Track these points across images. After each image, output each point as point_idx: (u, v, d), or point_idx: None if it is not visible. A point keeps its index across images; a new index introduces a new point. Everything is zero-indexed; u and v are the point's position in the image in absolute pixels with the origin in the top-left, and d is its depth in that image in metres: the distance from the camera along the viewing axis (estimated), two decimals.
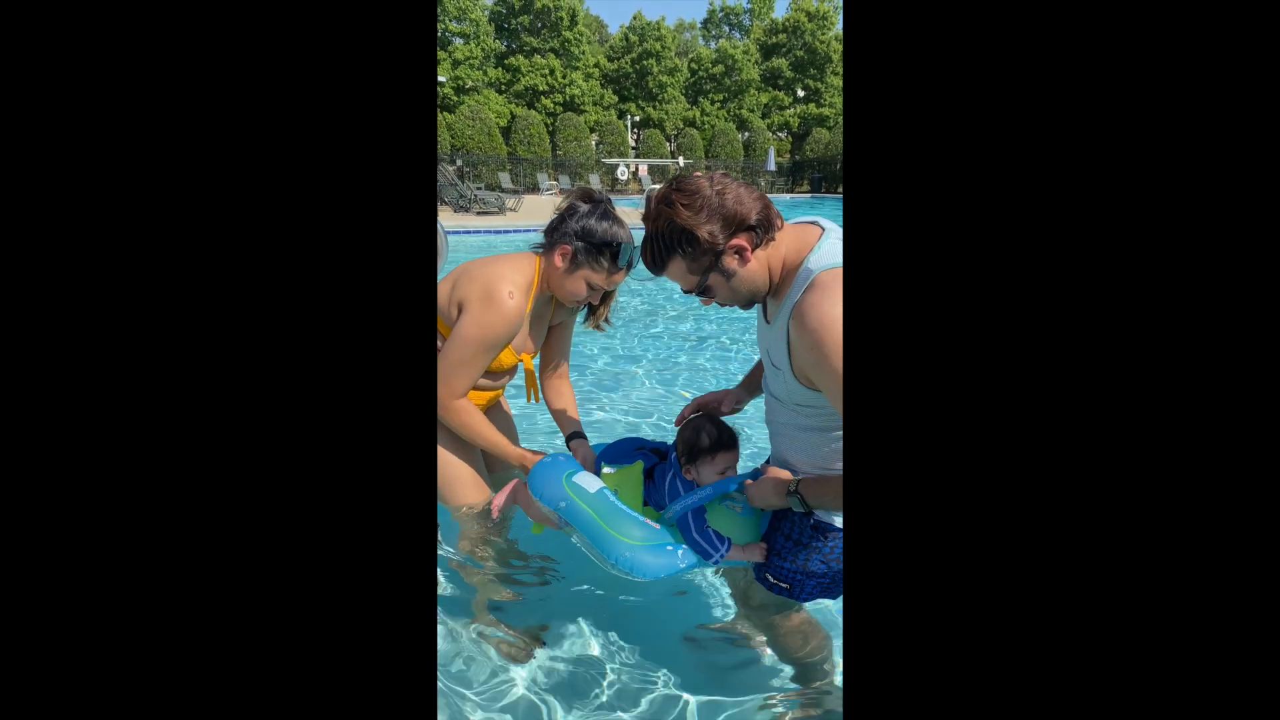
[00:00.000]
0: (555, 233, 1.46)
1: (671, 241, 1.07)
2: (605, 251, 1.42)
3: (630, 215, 1.48)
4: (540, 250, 1.51)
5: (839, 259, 1.03)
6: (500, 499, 1.51)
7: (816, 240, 1.08)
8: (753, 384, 1.45)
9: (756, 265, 1.09)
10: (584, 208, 1.45)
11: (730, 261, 1.08)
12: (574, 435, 1.59)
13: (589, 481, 1.36)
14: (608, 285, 1.47)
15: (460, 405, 1.46)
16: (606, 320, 1.61)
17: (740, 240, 1.06)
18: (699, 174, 1.09)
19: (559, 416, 1.68)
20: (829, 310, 0.98)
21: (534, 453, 1.52)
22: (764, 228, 1.07)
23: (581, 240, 1.42)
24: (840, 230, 1.11)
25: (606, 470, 1.42)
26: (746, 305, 1.17)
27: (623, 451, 1.50)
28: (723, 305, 1.17)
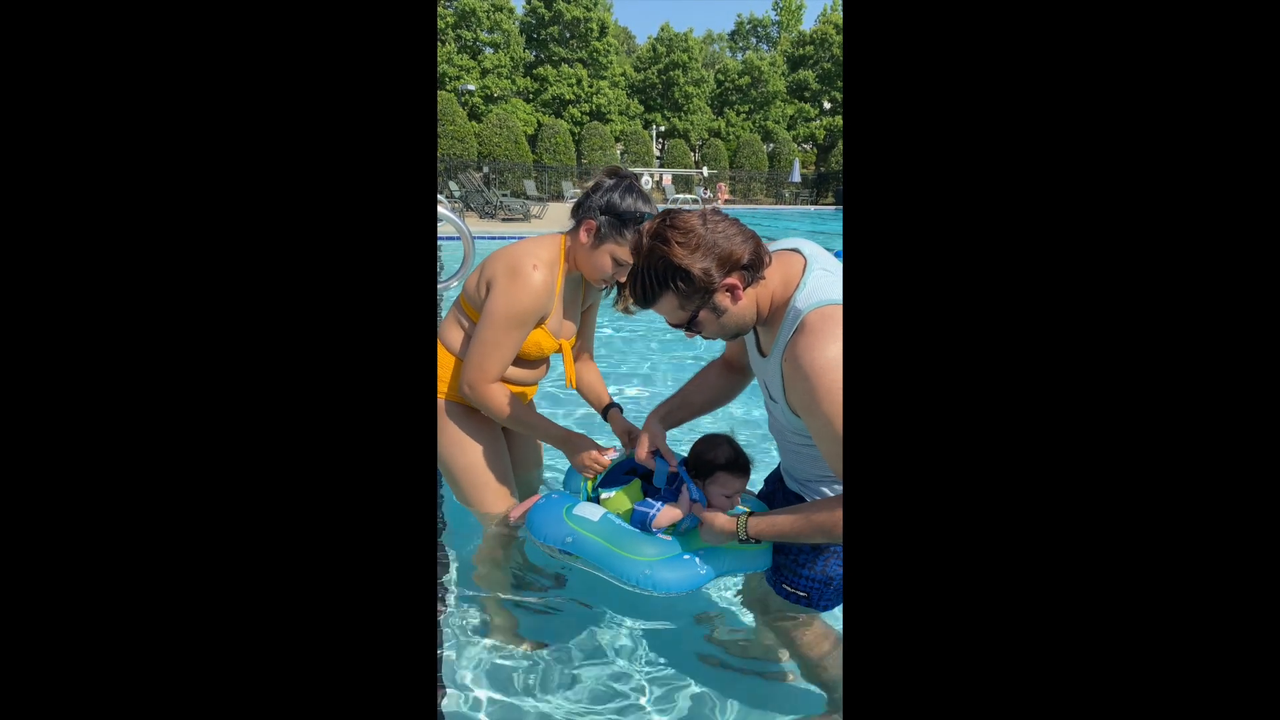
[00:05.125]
0: (580, 209, 1.47)
1: (664, 277, 1.09)
2: (629, 224, 1.40)
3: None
4: (567, 231, 1.51)
5: (824, 295, 1.07)
6: (518, 512, 1.54)
7: (800, 274, 1.12)
8: (674, 415, 1.46)
9: (746, 302, 1.12)
10: (608, 183, 1.45)
11: (722, 299, 1.11)
12: (609, 407, 1.62)
13: (590, 511, 1.37)
14: (633, 260, 1.46)
15: (495, 388, 1.46)
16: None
17: (733, 279, 1.09)
18: (691, 212, 1.12)
19: (591, 395, 1.71)
20: (818, 355, 1.01)
21: (575, 433, 1.52)
22: (755, 266, 1.10)
23: (605, 214, 1.41)
24: (820, 258, 1.15)
25: (605, 496, 1.44)
26: (730, 339, 1.20)
27: (615, 475, 1.51)
28: (707, 339, 1.20)
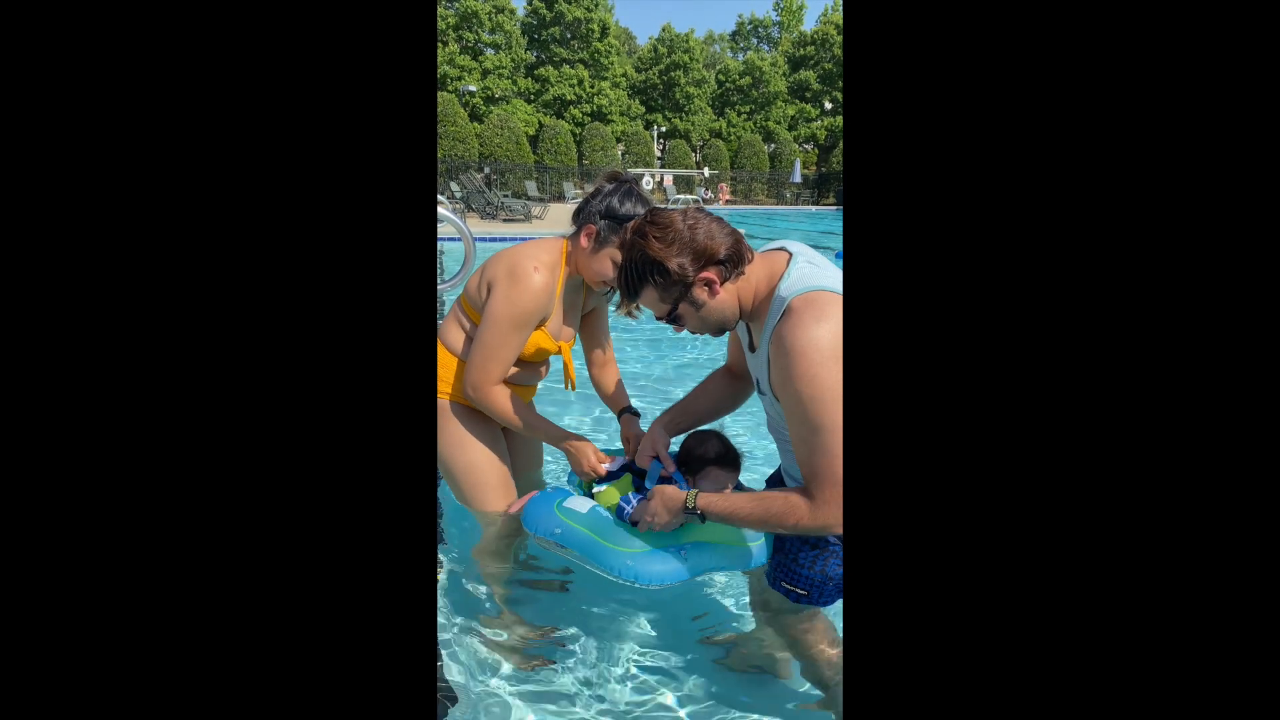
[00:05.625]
0: (581, 214, 1.48)
1: (643, 271, 1.13)
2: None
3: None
4: (568, 235, 1.52)
5: (808, 283, 1.09)
6: (516, 505, 1.55)
7: (785, 267, 1.14)
8: (676, 422, 1.47)
9: (726, 296, 1.15)
10: (608, 188, 1.46)
11: (700, 293, 1.14)
12: (624, 411, 1.63)
13: (580, 504, 1.39)
14: (621, 256, 1.46)
15: (499, 390, 1.47)
16: (638, 307, 1.61)
17: (709, 273, 1.12)
18: (674, 209, 1.16)
19: (608, 397, 1.72)
20: (800, 335, 1.03)
21: (576, 435, 1.53)
22: (734, 262, 1.13)
23: (605, 219, 1.43)
24: (806, 254, 1.17)
25: (597, 489, 1.45)
26: (716, 333, 1.23)
27: (609, 470, 1.52)
28: (693, 332, 1.22)
